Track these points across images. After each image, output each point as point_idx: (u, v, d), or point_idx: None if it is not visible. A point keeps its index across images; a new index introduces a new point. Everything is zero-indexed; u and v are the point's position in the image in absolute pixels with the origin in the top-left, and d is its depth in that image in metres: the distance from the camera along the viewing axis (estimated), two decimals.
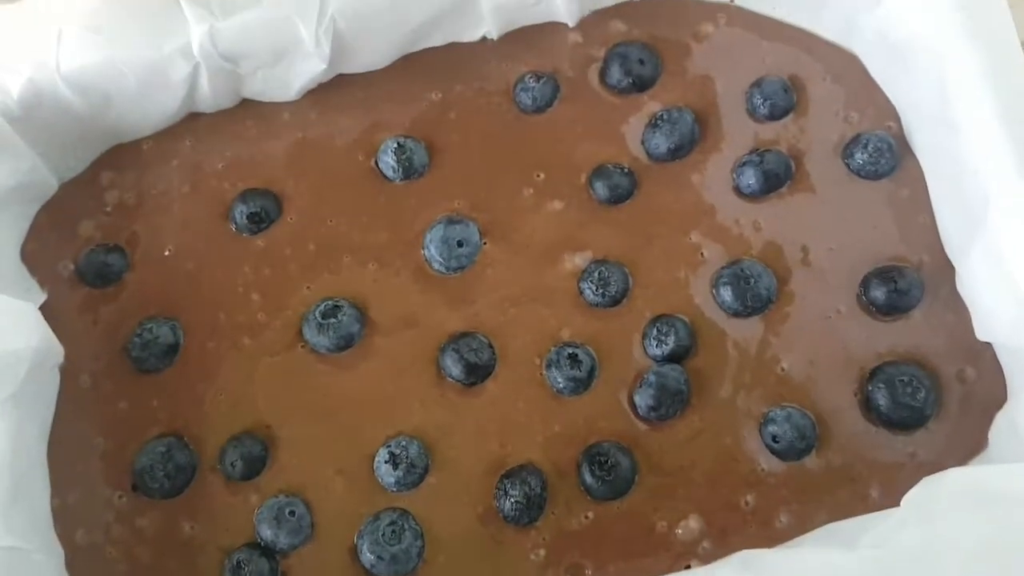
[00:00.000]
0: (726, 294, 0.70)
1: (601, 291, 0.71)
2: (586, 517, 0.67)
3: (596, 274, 0.71)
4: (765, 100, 0.75)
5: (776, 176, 0.73)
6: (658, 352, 0.69)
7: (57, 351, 0.70)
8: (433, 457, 0.68)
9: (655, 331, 0.69)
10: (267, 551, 0.66)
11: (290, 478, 0.68)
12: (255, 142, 0.78)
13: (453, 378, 0.70)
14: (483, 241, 0.73)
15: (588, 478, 0.66)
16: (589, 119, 0.77)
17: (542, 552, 0.66)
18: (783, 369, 0.69)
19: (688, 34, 0.79)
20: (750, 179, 0.73)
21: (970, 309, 0.69)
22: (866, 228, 0.72)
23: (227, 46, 0.72)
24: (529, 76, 0.77)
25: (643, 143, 0.76)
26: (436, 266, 0.73)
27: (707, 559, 0.64)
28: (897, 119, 0.75)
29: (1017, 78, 0.65)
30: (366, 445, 0.68)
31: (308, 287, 0.73)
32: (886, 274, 0.69)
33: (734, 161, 0.75)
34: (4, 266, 0.72)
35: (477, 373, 0.69)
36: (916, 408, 0.66)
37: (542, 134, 0.77)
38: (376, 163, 0.76)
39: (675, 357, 0.69)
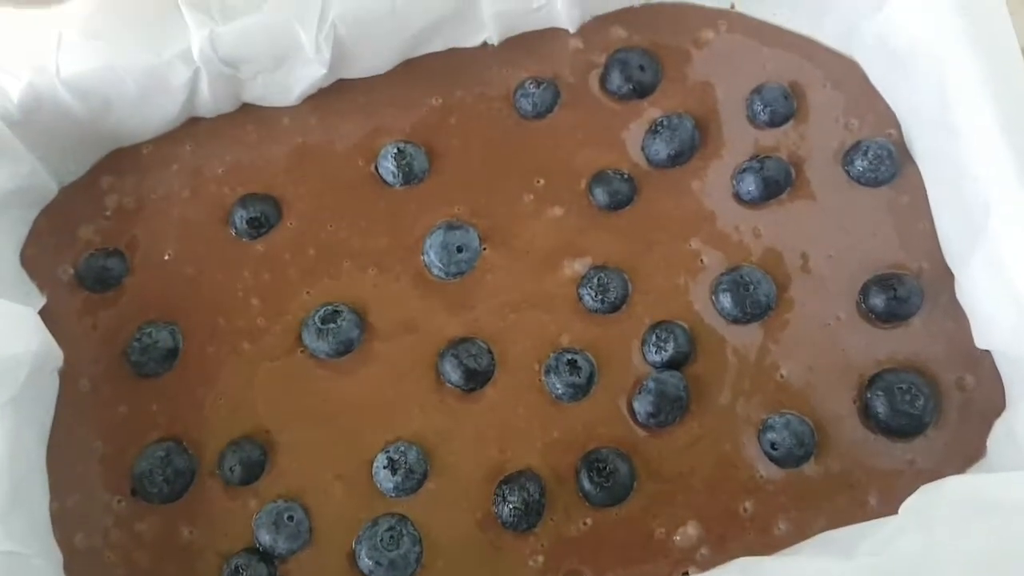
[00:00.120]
0: (725, 300, 0.70)
1: (600, 297, 0.71)
2: (584, 523, 0.67)
3: (596, 280, 0.71)
4: (765, 107, 0.75)
5: (776, 183, 0.73)
6: (657, 358, 0.69)
7: (56, 355, 0.70)
8: (432, 463, 0.68)
9: (654, 337, 0.69)
10: (265, 556, 0.66)
11: (289, 483, 0.68)
12: (255, 147, 0.78)
13: (452, 384, 0.70)
14: (483, 247, 0.74)
15: (587, 484, 0.66)
16: (589, 125, 0.77)
17: (540, 558, 0.66)
18: (782, 376, 0.69)
19: (688, 40, 0.79)
20: (750, 186, 0.73)
21: (969, 317, 0.69)
22: (866, 235, 0.72)
23: (227, 51, 0.72)
24: (530, 82, 0.77)
25: (643, 149, 0.76)
26: (436, 271, 0.73)
27: (705, 566, 0.64)
28: (897, 126, 0.75)
29: (1017, 85, 0.65)
30: (365, 450, 0.69)
31: (308, 292, 0.73)
32: (886, 281, 0.69)
33: (734, 168, 0.75)
34: (3, 270, 0.72)
35: (476, 379, 0.69)
36: (915, 416, 0.66)
37: (542, 140, 0.77)
38: (376, 168, 0.76)
39: (674, 363, 0.69)
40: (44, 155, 0.74)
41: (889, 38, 0.72)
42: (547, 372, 0.69)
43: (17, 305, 0.68)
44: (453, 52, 0.79)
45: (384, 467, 0.67)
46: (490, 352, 0.70)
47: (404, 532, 0.65)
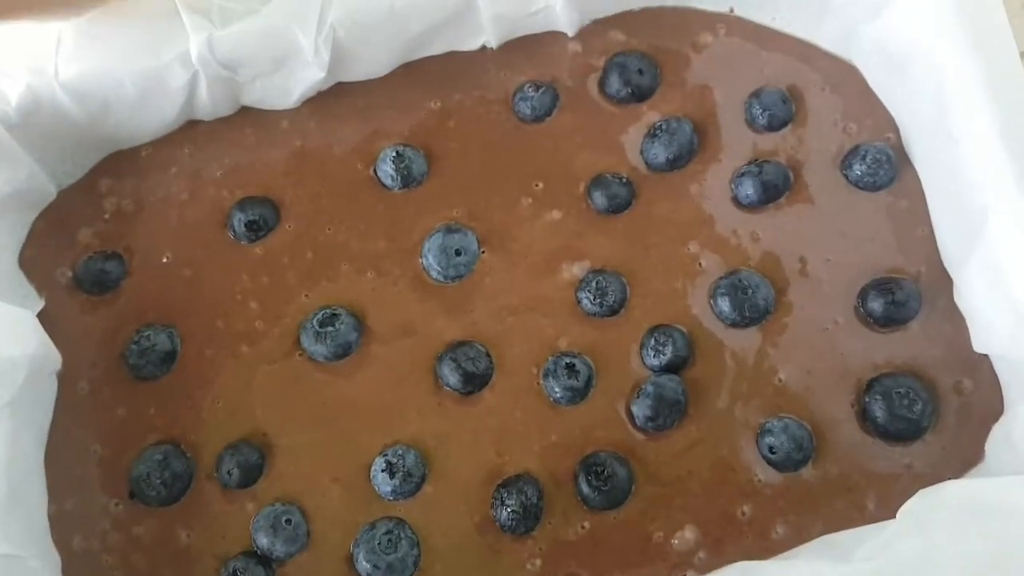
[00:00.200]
0: (724, 304, 0.70)
1: (599, 301, 0.71)
2: (582, 527, 0.67)
3: (594, 284, 0.71)
4: (764, 111, 0.75)
5: (774, 187, 0.73)
6: (655, 362, 0.69)
7: (54, 358, 0.70)
8: (430, 466, 0.68)
9: (653, 341, 0.69)
10: (263, 559, 0.66)
11: (287, 486, 0.68)
12: (254, 150, 0.78)
13: (450, 387, 0.70)
14: (481, 250, 0.74)
15: (585, 488, 0.66)
16: (588, 129, 0.77)
17: (538, 562, 0.66)
18: (780, 380, 0.69)
19: (687, 44, 0.79)
20: (748, 190, 0.73)
21: (968, 321, 0.69)
22: (864, 239, 0.72)
23: (226, 54, 0.72)
24: (528, 85, 0.77)
25: (642, 153, 0.76)
26: (434, 275, 0.73)
27: (703, 569, 0.64)
28: (896, 130, 0.75)
29: (1016, 90, 0.65)
30: (363, 454, 0.69)
31: (306, 295, 0.73)
32: (884, 285, 0.70)
33: (732, 171, 0.75)
34: (2, 273, 0.72)
35: (474, 382, 0.69)
36: (913, 420, 0.66)
37: (541, 143, 0.77)
38: (375, 171, 0.76)
39: (673, 367, 0.69)
40: (42, 158, 0.74)
41: (888, 43, 0.72)
42: (545, 375, 0.69)
43: (15, 308, 0.68)
44: (452, 55, 0.79)
45: (382, 470, 0.67)
46: (488, 355, 0.70)
47: (402, 535, 0.65)
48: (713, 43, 0.79)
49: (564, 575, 0.66)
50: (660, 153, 0.74)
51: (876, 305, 0.69)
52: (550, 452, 0.68)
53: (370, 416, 0.70)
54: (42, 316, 0.71)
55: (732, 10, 0.79)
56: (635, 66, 0.77)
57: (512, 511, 0.65)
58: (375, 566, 0.64)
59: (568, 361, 0.69)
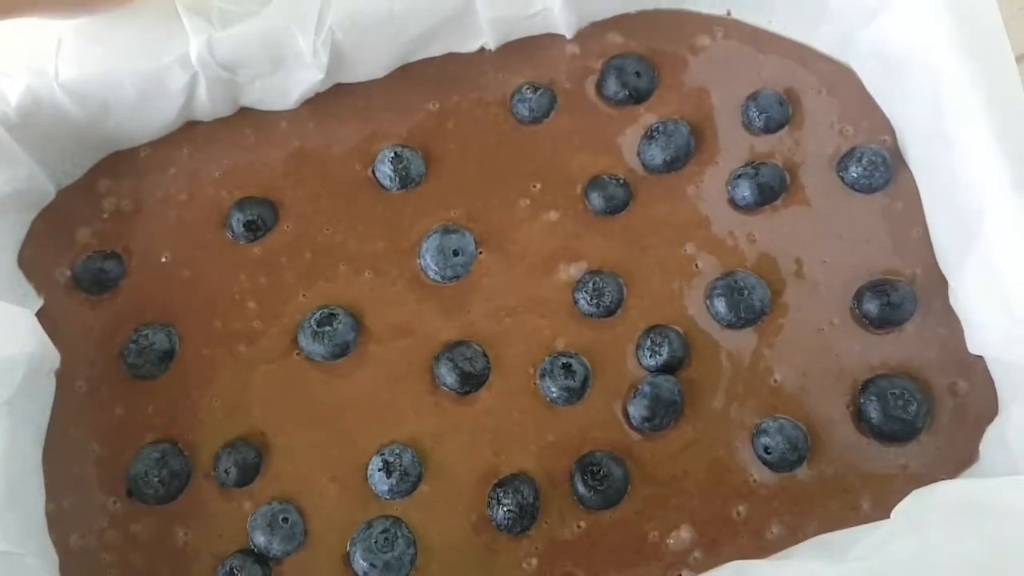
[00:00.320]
0: (720, 305, 0.70)
1: (596, 301, 0.71)
2: (578, 526, 0.67)
3: (591, 284, 0.71)
4: (761, 113, 0.75)
5: (771, 189, 0.73)
6: (652, 363, 0.69)
7: (53, 357, 0.70)
8: (427, 465, 0.68)
9: (649, 342, 0.70)
10: (260, 558, 0.66)
11: (284, 485, 0.69)
12: (253, 150, 0.78)
13: (447, 387, 0.70)
14: (479, 251, 0.74)
15: (581, 487, 0.66)
16: (585, 130, 0.77)
17: (534, 561, 0.66)
18: (776, 381, 0.69)
19: (685, 47, 0.79)
20: (745, 191, 0.73)
21: (963, 323, 0.69)
22: (860, 241, 0.72)
23: (225, 55, 0.72)
24: (526, 87, 0.77)
25: (639, 155, 0.76)
26: (432, 275, 0.73)
27: (698, 569, 0.64)
28: (892, 133, 0.75)
29: (1011, 93, 0.65)
30: (360, 453, 0.69)
31: (304, 295, 0.73)
32: (879, 287, 0.70)
33: (729, 173, 0.75)
34: (1, 272, 0.72)
35: (471, 382, 0.70)
36: (907, 421, 0.66)
37: (539, 145, 0.77)
38: (373, 172, 0.76)
39: (669, 368, 0.69)
40: (42, 158, 0.74)
41: (884, 46, 0.73)
42: (542, 376, 0.70)
43: (14, 307, 0.69)
44: (450, 57, 0.79)
45: (379, 469, 0.67)
46: (485, 355, 0.71)
47: (399, 534, 0.66)
48: (710, 46, 0.79)
49: (560, 574, 0.66)
50: (657, 155, 0.75)
51: (872, 306, 0.69)
52: (547, 452, 0.68)
53: (367, 415, 0.70)
54: (41, 315, 0.71)
55: (729, 13, 0.79)
56: (632, 68, 0.77)
57: (508, 510, 0.66)
58: (372, 564, 0.65)
59: (565, 361, 0.69)
